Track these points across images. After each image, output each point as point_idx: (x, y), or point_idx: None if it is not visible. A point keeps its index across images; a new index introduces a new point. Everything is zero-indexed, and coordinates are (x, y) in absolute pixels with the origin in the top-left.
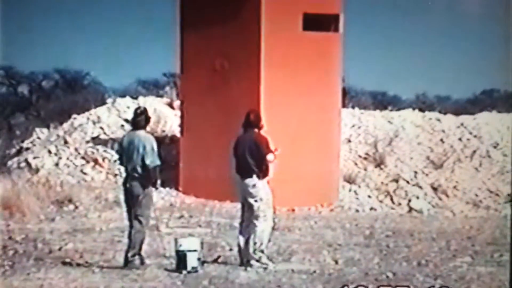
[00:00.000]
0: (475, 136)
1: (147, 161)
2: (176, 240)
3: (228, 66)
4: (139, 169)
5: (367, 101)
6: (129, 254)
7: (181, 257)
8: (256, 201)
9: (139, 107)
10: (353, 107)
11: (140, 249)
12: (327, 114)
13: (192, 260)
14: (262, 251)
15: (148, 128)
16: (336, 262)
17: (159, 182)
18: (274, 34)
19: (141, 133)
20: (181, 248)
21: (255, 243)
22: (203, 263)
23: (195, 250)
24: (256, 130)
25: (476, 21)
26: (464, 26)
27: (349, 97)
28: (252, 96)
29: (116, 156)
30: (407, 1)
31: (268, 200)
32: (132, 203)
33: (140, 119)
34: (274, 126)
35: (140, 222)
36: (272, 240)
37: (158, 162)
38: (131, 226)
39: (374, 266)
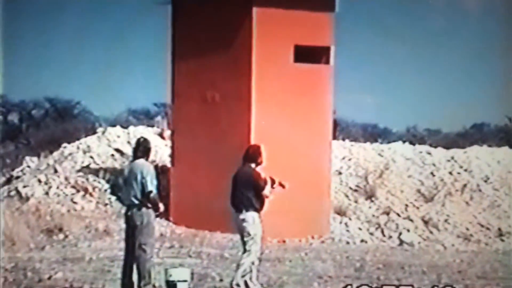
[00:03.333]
0: (465, 170)
1: (148, 189)
2: (166, 270)
3: (219, 97)
4: (139, 197)
5: (358, 133)
6: (141, 284)
7: (171, 287)
8: (243, 235)
9: (139, 138)
10: (343, 139)
11: (150, 277)
12: (318, 146)
13: None
14: (237, 284)
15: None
16: None
17: (161, 206)
18: (265, 66)
19: (140, 162)
20: (171, 278)
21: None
22: None
23: (185, 281)
24: (253, 165)
25: (467, 55)
26: (455, 60)
27: (340, 129)
28: (243, 128)
29: (106, 186)
30: (398, 33)
31: (256, 235)
32: (135, 232)
33: (140, 149)
34: (264, 157)
35: (144, 251)
36: (262, 271)
37: (155, 190)
38: (126, 257)
39: None
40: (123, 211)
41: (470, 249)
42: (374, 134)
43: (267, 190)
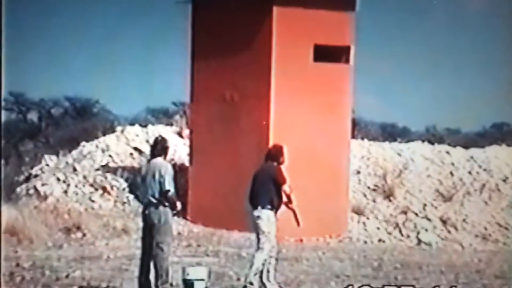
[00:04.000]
0: (484, 170)
1: (165, 188)
2: (183, 269)
3: (238, 97)
4: (157, 196)
5: (377, 133)
6: (159, 283)
7: (188, 286)
8: (258, 232)
9: (157, 137)
10: (362, 139)
11: (167, 276)
12: (336, 145)
13: None
14: (250, 283)
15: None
16: None
17: (179, 204)
18: (285, 65)
19: (158, 160)
20: (188, 277)
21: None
22: None
23: (202, 279)
24: (274, 163)
25: (488, 55)
26: (475, 59)
27: (359, 128)
28: (262, 127)
29: (124, 184)
30: (417, 33)
31: (270, 233)
32: (152, 231)
33: (158, 148)
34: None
35: (162, 249)
36: (280, 270)
37: (173, 189)
38: (143, 256)
39: None
40: (141, 209)
41: (488, 248)
42: (393, 133)
43: (287, 187)
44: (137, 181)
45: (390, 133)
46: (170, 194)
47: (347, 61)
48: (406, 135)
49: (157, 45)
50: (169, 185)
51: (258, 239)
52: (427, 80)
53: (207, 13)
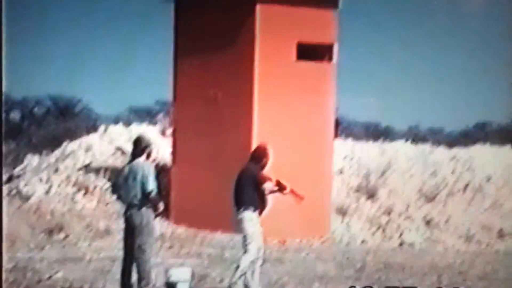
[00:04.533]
0: (467, 169)
1: (148, 189)
2: (166, 271)
3: (221, 96)
4: (138, 197)
5: (360, 132)
6: (142, 285)
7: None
8: (243, 234)
9: (138, 136)
10: (345, 138)
11: (149, 278)
12: (319, 144)
13: None
14: (235, 283)
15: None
16: None
17: (161, 205)
18: (268, 63)
19: (140, 161)
20: (171, 279)
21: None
22: None
23: (185, 281)
24: (257, 165)
25: (470, 54)
26: (458, 59)
27: (342, 128)
28: (245, 126)
29: (107, 184)
30: (401, 31)
31: (254, 233)
32: (134, 232)
33: (138, 148)
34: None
35: (144, 251)
36: (263, 271)
37: (155, 190)
38: (125, 258)
39: None
40: (123, 211)
41: (471, 249)
42: (376, 133)
43: (267, 185)
44: (119, 182)
45: (373, 132)
46: (152, 195)
47: (330, 59)
48: (389, 134)
49: (140, 44)
50: (152, 186)
51: (244, 240)
52: (411, 79)
53: (189, 12)
